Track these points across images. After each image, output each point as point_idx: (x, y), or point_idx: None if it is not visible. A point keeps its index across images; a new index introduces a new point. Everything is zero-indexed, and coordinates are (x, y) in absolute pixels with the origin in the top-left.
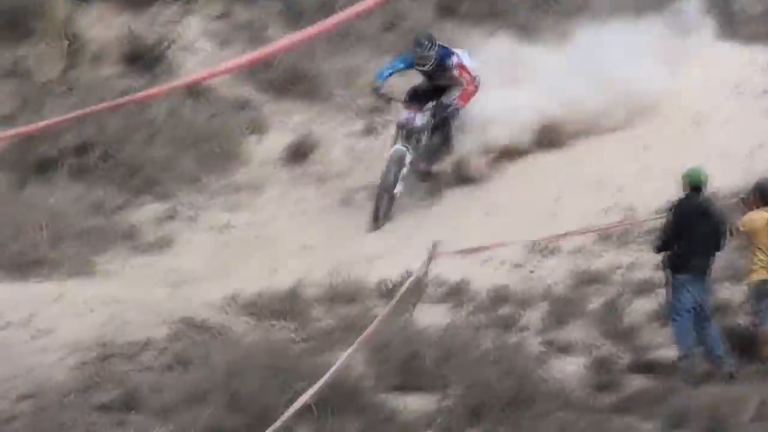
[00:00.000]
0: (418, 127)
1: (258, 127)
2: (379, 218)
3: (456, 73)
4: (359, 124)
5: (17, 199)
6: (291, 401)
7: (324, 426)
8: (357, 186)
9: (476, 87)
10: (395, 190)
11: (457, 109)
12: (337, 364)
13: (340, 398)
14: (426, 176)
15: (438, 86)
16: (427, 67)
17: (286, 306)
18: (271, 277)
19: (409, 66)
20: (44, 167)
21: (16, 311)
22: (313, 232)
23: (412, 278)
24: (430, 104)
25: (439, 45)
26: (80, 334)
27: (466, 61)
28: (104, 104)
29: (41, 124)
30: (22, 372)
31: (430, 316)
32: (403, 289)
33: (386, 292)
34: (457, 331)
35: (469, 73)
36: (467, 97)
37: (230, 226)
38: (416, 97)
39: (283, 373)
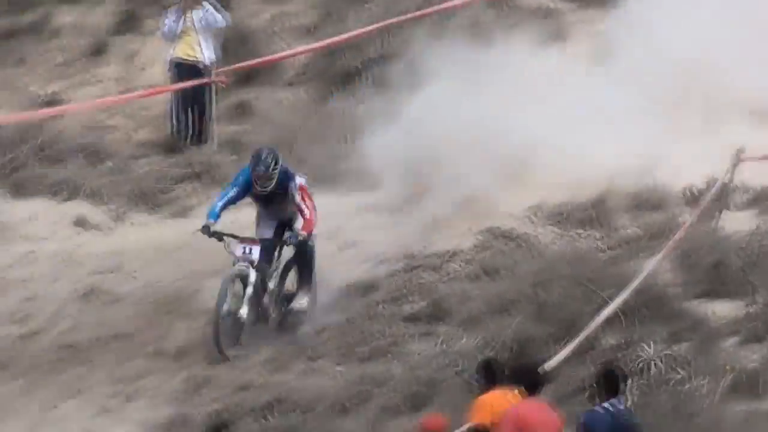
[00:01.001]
0: (257, 260)
1: (560, 36)
2: (221, 346)
3: (297, 197)
4: None
5: (321, 111)
6: (597, 310)
7: (631, 334)
8: None
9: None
10: (240, 312)
11: (301, 239)
12: (645, 271)
13: (647, 306)
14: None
15: (279, 216)
16: (267, 190)
17: (591, 214)
18: (576, 186)
19: (244, 191)
20: (348, 79)
21: (322, 223)
22: (617, 138)
23: (717, 184)
24: (269, 236)
25: (281, 165)
26: (386, 246)
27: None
28: (407, 15)
29: (345, 35)
30: (329, 284)
31: (736, 223)
32: (708, 195)
33: (691, 198)
34: (764, 237)
35: (311, 200)
36: (311, 225)
37: None
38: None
39: (588, 282)
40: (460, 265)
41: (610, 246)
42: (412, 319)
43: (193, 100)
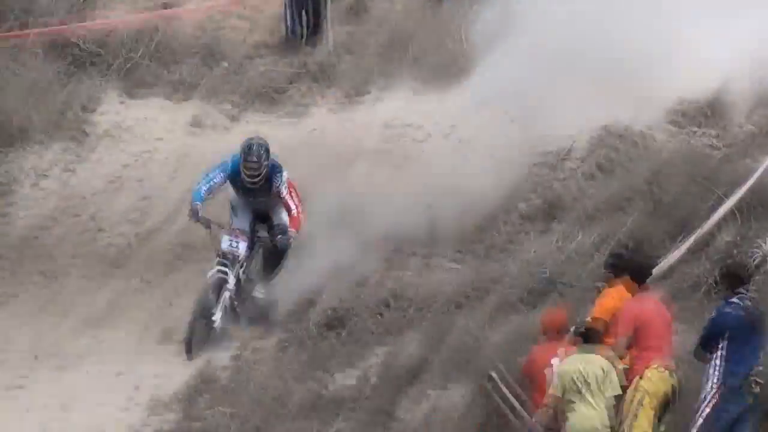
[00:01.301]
0: (242, 256)
1: None
2: (192, 350)
3: (284, 192)
4: None
5: (436, 13)
6: (712, 207)
7: (746, 231)
8: None
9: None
10: (214, 318)
11: (291, 240)
12: (761, 168)
13: (762, 203)
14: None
15: (257, 208)
16: (256, 181)
17: (706, 112)
18: (691, 84)
19: (230, 178)
20: None
21: (437, 123)
22: (733, 35)
23: None
24: (260, 231)
25: (270, 159)
26: (500, 145)
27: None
28: None
29: None
30: (444, 182)
31: None
32: None
33: None
34: None
35: (298, 195)
36: (299, 223)
37: None
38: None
39: (703, 180)
40: (575, 163)
41: (726, 143)
42: (529, 217)
43: (307, 1)
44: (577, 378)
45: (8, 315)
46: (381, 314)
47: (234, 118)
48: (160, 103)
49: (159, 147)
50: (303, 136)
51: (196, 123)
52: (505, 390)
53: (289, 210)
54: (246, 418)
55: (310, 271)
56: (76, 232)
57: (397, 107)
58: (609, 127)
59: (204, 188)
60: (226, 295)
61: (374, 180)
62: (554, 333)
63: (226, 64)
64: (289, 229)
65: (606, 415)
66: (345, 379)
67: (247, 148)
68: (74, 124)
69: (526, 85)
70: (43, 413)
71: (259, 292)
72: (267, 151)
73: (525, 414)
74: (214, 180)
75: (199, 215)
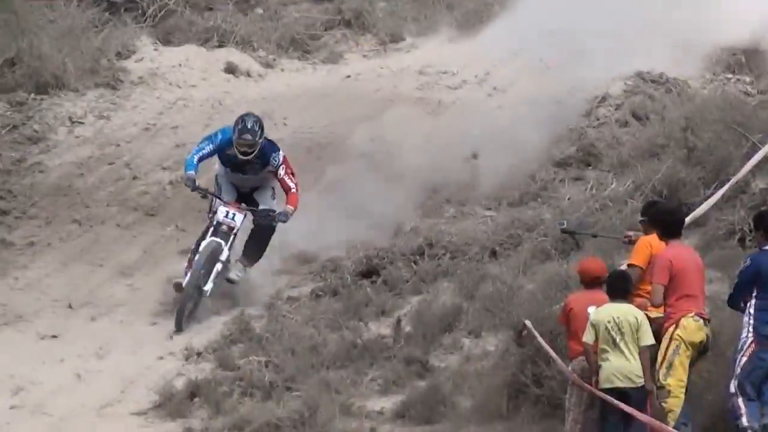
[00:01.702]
0: (237, 228)
1: None
2: (183, 320)
3: (282, 172)
4: None
5: None
6: (747, 154)
7: None
8: None
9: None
10: (205, 287)
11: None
12: None
13: None
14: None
15: (243, 185)
16: (250, 157)
17: (740, 59)
18: (726, 30)
19: (220, 150)
20: None
21: (471, 70)
22: None
23: None
24: (263, 206)
25: (265, 136)
26: (534, 91)
27: None
28: None
29: None
30: (478, 129)
31: None
32: None
33: None
34: None
35: (294, 174)
36: (297, 201)
37: None
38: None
39: (738, 126)
40: (609, 110)
41: (760, 90)
42: (562, 164)
43: None
44: (612, 327)
45: (43, 264)
46: (415, 262)
47: (268, 65)
48: (194, 49)
49: (193, 94)
50: (337, 83)
51: (231, 70)
52: (539, 338)
53: (287, 188)
54: (280, 366)
55: (344, 219)
56: (111, 180)
57: (432, 54)
58: (644, 73)
59: (195, 158)
60: (219, 267)
61: (408, 127)
62: (591, 281)
63: (260, 11)
64: (287, 206)
65: (639, 366)
66: (379, 328)
67: (242, 125)
68: (109, 71)
69: (561, 32)
70: (77, 362)
71: (235, 274)
72: (262, 128)
73: (560, 362)
74: (204, 151)
75: (196, 183)
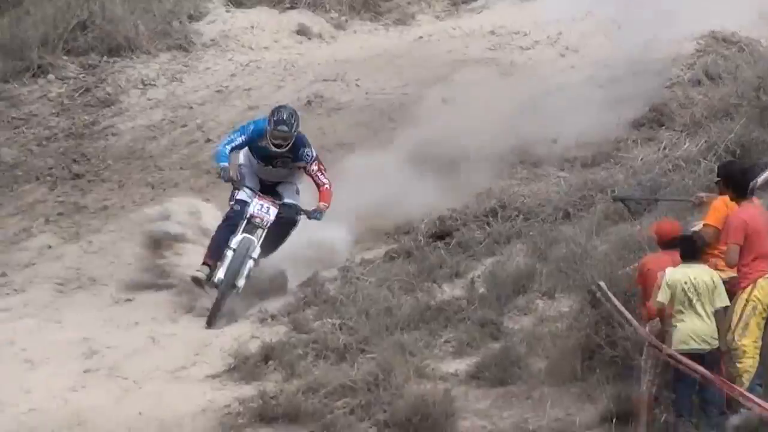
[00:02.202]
0: (270, 222)
1: None
2: (216, 317)
3: (315, 167)
4: None
5: None
6: None
7: None
8: None
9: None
10: (238, 284)
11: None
12: None
13: None
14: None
15: (268, 178)
16: (284, 149)
17: None
18: None
19: (252, 141)
20: None
21: (543, 30)
22: None
23: None
24: (288, 200)
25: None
26: (608, 52)
27: None
28: None
29: None
30: (550, 89)
31: None
32: None
33: None
34: None
35: (326, 170)
36: (330, 197)
37: None
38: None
39: None
40: (682, 70)
41: None
42: (635, 124)
43: None
44: (688, 288)
45: (116, 227)
46: (488, 224)
47: (340, 27)
48: (266, 11)
49: (265, 56)
50: (409, 45)
51: (303, 32)
52: (614, 299)
53: (321, 184)
54: (354, 329)
55: (417, 180)
56: (184, 143)
57: (504, 15)
58: (716, 33)
59: (227, 148)
60: (251, 263)
61: (481, 88)
62: (668, 243)
63: None
64: (320, 203)
65: (715, 327)
66: (453, 290)
67: (278, 117)
68: (181, 33)
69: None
70: (151, 326)
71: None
72: (297, 120)
73: (636, 323)
74: (236, 142)
75: (230, 174)
